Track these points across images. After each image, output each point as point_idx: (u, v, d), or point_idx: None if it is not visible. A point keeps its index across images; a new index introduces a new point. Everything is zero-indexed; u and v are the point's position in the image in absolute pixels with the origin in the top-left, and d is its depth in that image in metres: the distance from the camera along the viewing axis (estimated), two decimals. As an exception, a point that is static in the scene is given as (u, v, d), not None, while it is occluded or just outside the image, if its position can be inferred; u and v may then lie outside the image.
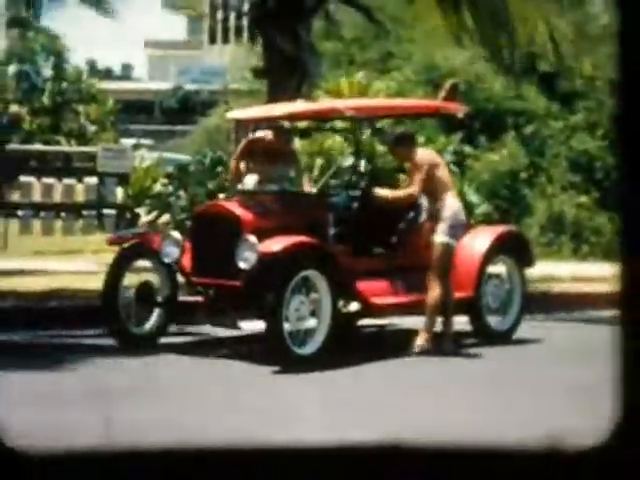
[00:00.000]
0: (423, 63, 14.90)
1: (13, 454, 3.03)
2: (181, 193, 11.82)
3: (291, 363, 6.52)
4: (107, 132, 20.61)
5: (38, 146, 17.73)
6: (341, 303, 7.07)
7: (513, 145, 14.51)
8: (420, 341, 7.06)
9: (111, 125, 21.62)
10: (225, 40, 38.57)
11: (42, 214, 12.53)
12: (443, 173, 7.40)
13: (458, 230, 7.25)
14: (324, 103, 8.30)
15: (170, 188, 12.00)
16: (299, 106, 7.86)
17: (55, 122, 19.93)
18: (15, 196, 12.76)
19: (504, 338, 7.68)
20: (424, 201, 7.54)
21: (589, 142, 14.62)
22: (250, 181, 7.55)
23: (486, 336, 7.65)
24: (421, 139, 12.90)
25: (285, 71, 10.13)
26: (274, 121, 7.73)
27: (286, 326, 6.54)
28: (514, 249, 7.85)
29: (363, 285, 7.02)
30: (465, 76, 14.68)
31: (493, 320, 7.71)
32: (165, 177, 12.89)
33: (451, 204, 7.26)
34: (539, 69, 14.59)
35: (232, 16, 37.63)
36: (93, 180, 12.54)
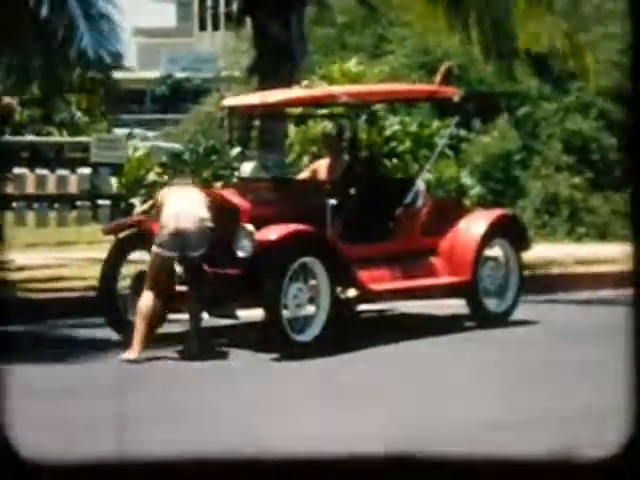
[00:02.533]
0: (416, 47, 14.83)
1: (23, 463, 3.01)
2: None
3: (290, 350, 6.56)
4: (99, 122, 20.52)
5: (30, 137, 17.65)
6: (340, 289, 7.11)
7: (506, 127, 14.47)
8: None
9: (103, 115, 21.50)
10: (215, 27, 38.39)
11: (36, 206, 12.48)
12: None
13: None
14: (319, 89, 8.12)
15: (165, 177, 11.96)
16: (293, 92, 7.81)
17: (46, 113, 19.82)
18: (8, 188, 12.70)
19: (501, 320, 7.72)
20: (422, 186, 7.57)
21: (583, 123, 14.59)
22: (247, 168, 7.52)
23: (483, 318, 7.69)
24: (414, 124, 12.90)
25: (275, 57, 10.08)
26: (269, 108, 7.63)
27: (285, 313, 6.57)
28: (510, 232, 7.88)
29: (361, 271, 7.03)
30: (458, 59, 14.63)
31: (490, 302, 7.75)
32: (159, 166, 12.85)
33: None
34: (531, 51, 14.54)
35: (222, 2, 37.45)
36: (86, 171, 12.48)
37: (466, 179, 13.08)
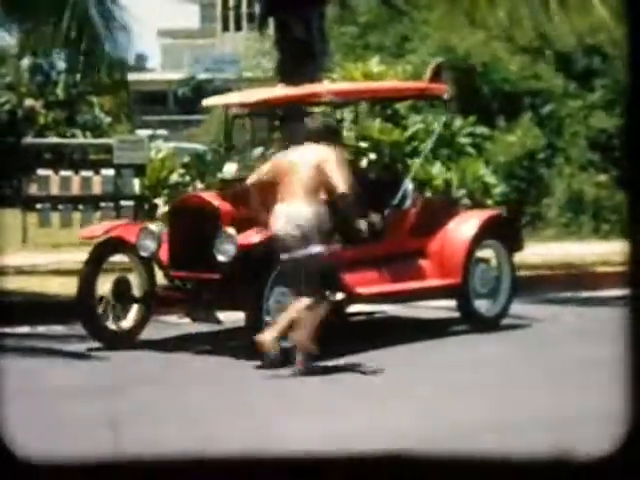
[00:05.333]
0: (438, 45, 14.78)
1: (16, 461, 3.01)
2: (198, 183, 11.79)
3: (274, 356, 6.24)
4: (122, 124, 20.62)
5: (54, 139, 17.76)
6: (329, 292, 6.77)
7: (530, 125, 14.40)
8: None
9: (126, 116, 21.62)
10: (238, 27, 38.47)
11: (60, 207, 12.55)
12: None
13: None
14: (303, 88, 7.70)
15: (187, 178, 11.98)
16: (277, 91, 7.57)
17: (70, 115, 19.94)
18: (33, 189, 12.78)
19: (493, 324, 7.47)
20: (410, 186, 7.39)
21: (607, 120, 14.48)
22: (230, 169, 7.32)
23: (475, 322, 7.45)
24: (436, 123, 12.85)
25: (298, 57, 10.08)
26: (252, 107, 7.45)
27: (267, 319, 6.32)
28: (503, 233, 7.64)
29: (348, 275, 6.78)
30: (481, 57, 14.58)
31: (482, 305, 7.50)
32: (181, 167, 12.87)
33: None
34: (555, 48, 14.45)
35: (244, 2, 37.53)
36: (110, 172, 12.54)
37: (489, 178, 13.02)
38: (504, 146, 14.05)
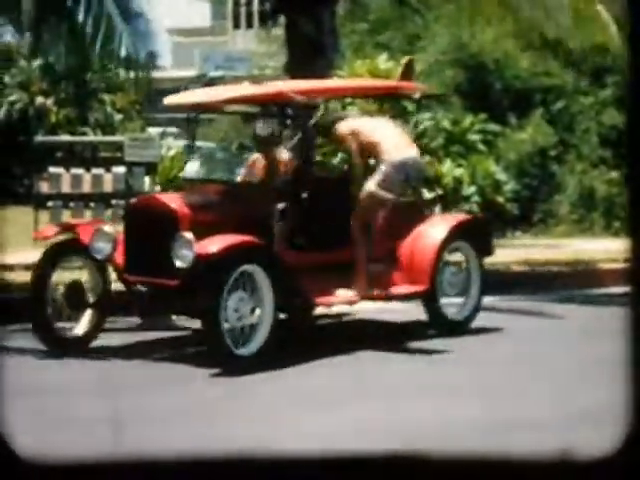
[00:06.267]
0: (449, 43, 14.75)
1: (19, 461, 3.02)
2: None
3: (231, 364, 6.17)
4: (133, 121, 20.64)
5: (65, 137, 17.80)
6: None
7: (541, 122, 14.37)
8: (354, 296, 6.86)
9: (137, 114, 21.64)
10: (249, 25, 38.48)
11: (71, 204, 12.58)
12: (374, 134, 7.17)
13: (394, 184, 7.00)
14: (268, 86, 7.45)
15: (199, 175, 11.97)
16: (241, 90, 7.34)
17: (81, 113, 19.97)
18: (44, 187, 12.81)
19: (461, 328, 7.35)
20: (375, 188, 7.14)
21: (619, 117, 14.43)
22: (192, 168, 7.09)
23: (443, 326, 7.33)
24: (446, 120, 12.83)
25: (308, 54, 10.08)
26: (215, 106, 7.25)
27: (225, 326, 6.17)
28: (472, 237, 7.49)
29: (310, 282, 6.59)
30: (492, 54, 14.54)
31: (450, 309, 7.39)
32: (192, 165, 12.87)
33: (389, 160, 7.03)
34: (567, 45, 14.41)
35: (256, 0, 37.55)
36: (121, 170, 12.56)
37: (500, 175, 13.00)
38: (515, 143, 14.03)
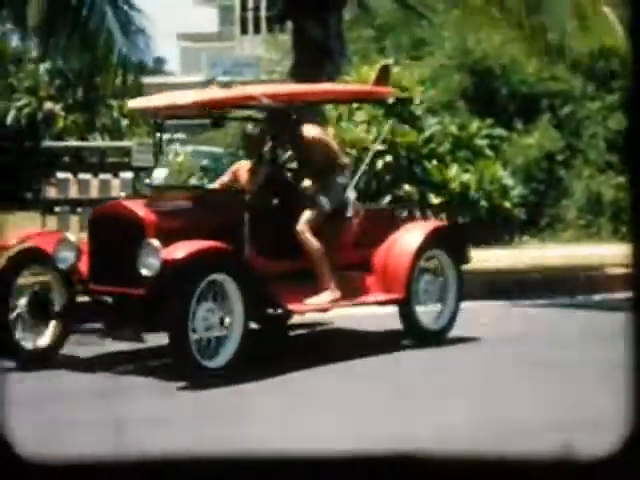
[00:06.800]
0: (456, 48, 14.76)
1: (19, 461, 3.02)
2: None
3: (199, 377, 5.95)
4: (141, 127, 20.68)
5: (73, 142, 17.85)
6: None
7: (547, 127, 14.36)
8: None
9: (144, 119, 21.67)
10: (257, 30, 38.55)
11: (79, 210, 12.61)
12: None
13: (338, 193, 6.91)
14: (237, 90, 7.21)
15: (205, 181, 12.01)
16: (208, 94, 7.16)
17: (89, 118, 20.03)
18: (52, 192, 12.84)
19: (438, 337, 7.16)
20: (351, 195, 7.07)
21: (626, 122, 14.41)
22: (160, 174, 6.98)
23: (419, 335, 7.15)
24: (454, 125, 12.84)
25: (315, 59, 10.10)
26: (181, 110, 7.07)
27: (193, 337, 5.95)
28: (448, 245, 7.30)
29: (282, 290, 6.40)
30: (498, 59, 14.55)
31: (426, 318, 7.17)
32: (200, 170, 12.92)
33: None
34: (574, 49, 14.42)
35: (263, 5, 37.61)
36: (128, 175, 12.59)
37: (508, 180, 13.00)
38: (522, 148, 14.02)
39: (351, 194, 7.09)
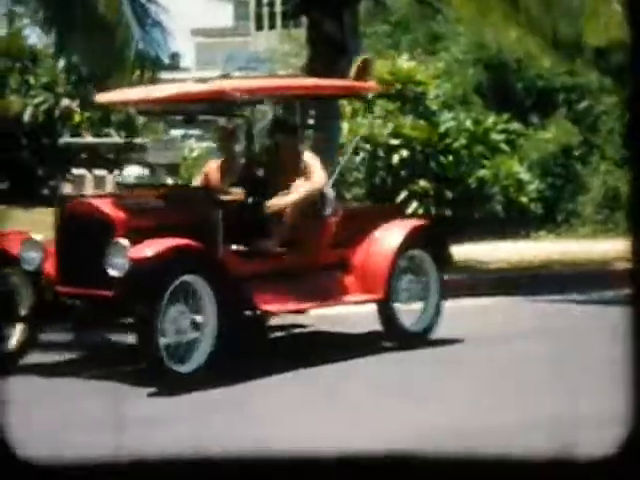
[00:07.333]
0: (471, 43, 14.70)
1: (20, 463, 3.02)
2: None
3: (169, 382, 5.77)
4: (156, 123, 20.70)
5: (89, 138, 17.90)
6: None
7: (564, 122, 14.29)
8: None
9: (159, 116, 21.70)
10: (272, 26, 38.55)
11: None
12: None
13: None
14: (210, 85, 6.98)
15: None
16: (179, 88, 6.94)
17: (105, 114, 20.06)
18: (68, 189, 12.91)
19: (420, 339, 6.98)
20: (330, 193, 6.89)
21: (644, 116, 14.32)
22: (131, 173, 6.95)
23: (399, 337, 6.98)
24: (469, 120, 12.80)
25: (330, 55, 10.09)
26: (151, 104, 6.92)
27: (162, 341, 5.75)
28: (430, 244, 7.12)
29: (255, 290, 6.20)
30: (514, 53, 14.48)
31: (407, 320, 7.01)
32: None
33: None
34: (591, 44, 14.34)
35: (278, 0, 37.60)
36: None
37: (524, 175, 12.96)
38: (538, 143, 13.96)
39: (329, 192, 6.91)
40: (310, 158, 6.91)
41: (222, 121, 7.09)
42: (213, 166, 7.14)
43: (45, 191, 18.46)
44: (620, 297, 8.63)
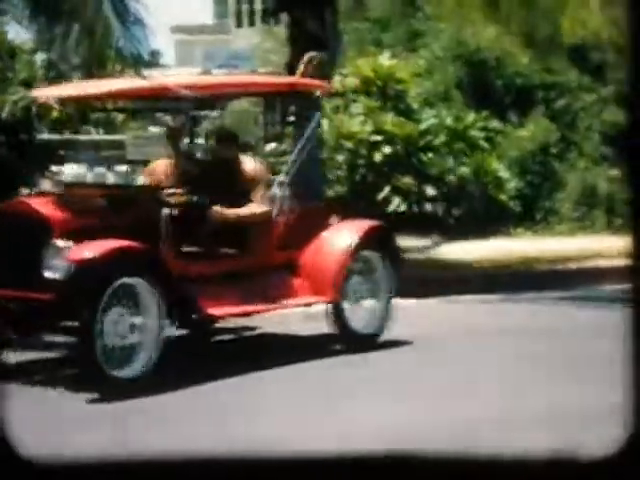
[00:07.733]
0: (451, 40, 14.75)
1: (22, 462, 3.01)
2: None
3: (108, 388, 5.60)
4: (135, 120, 20.62)
5: (67, 135, 17.79)
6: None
7: (542, 119, 14.37)
8: None
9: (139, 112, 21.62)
10: (251, 23, 38.48)
11: (74, 203, 12.60)
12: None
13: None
14: (153, 81, 6.81)
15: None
16: (121, 84, 6.84)
17: (83, 110, 19.96)
18: (46, 185, 12.81)
19: (370, 341, 6.90)
20: (278, 192, 6.76)
21: (621, 114, 14.42)
22: (71, 171, 6.66)
23: (350, 339, 6.88)
24: (449, 118, 12.85)
25: (309, 52, 10.08)
26: (93, 100, 6.76)
27: (100, 345, 5.60)
28: (381, 245, 7.04)
29: (201, 293, 6.03)
30: (493, 51, 14.54)
31: (357, 322, 6.91)
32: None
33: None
34: (567, 42, 14.42)
35: (257, -2, 37.55)
36: (123, 168, 12.55)
37: (503, 172, 13.02)
38: (517, 140, 14.02)
39: (277, 191, 6.78)
40: (253, 166, 6.77)
41: (170, 118, 6.93)
42: (160, 165, 6.98)
43: (24, 189, 18.36)
44: (601, 293, 8.72)
